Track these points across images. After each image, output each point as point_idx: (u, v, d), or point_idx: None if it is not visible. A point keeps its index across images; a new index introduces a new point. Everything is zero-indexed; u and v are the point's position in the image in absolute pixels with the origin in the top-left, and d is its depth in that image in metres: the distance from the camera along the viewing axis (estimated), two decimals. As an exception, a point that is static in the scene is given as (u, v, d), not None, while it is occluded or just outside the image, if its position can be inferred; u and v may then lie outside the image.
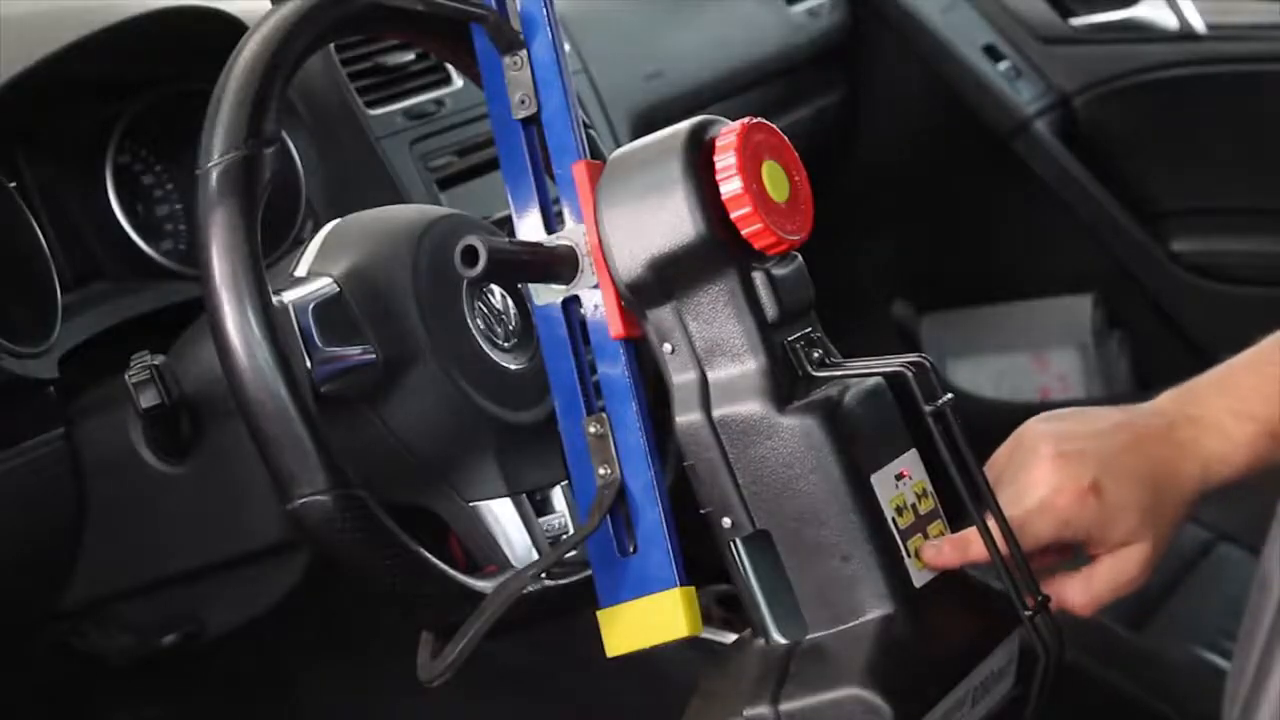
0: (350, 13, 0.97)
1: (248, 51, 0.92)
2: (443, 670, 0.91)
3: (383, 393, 1.01)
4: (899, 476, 0.91)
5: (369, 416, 1.02)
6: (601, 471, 0.93)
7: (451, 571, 0.94)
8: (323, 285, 1.01)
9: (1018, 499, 0.94)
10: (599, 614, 0.94)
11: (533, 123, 0.97)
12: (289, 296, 0.98)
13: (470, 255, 0.87)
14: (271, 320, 0.89)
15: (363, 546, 0.90)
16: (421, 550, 0.92)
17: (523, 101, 0.97)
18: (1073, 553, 0.97)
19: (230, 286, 0.88)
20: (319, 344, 0.97)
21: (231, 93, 0.91)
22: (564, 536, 1.05)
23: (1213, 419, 0.98)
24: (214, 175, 0.90)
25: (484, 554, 1.05)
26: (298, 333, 0.96)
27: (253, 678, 1.57)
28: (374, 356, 1.00)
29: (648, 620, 0.92)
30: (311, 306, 0.98)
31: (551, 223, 0.96)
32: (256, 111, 0.91)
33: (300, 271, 1.03)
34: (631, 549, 0.93)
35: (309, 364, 0.96)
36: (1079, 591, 0.96)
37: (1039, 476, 0.95)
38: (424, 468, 1.05)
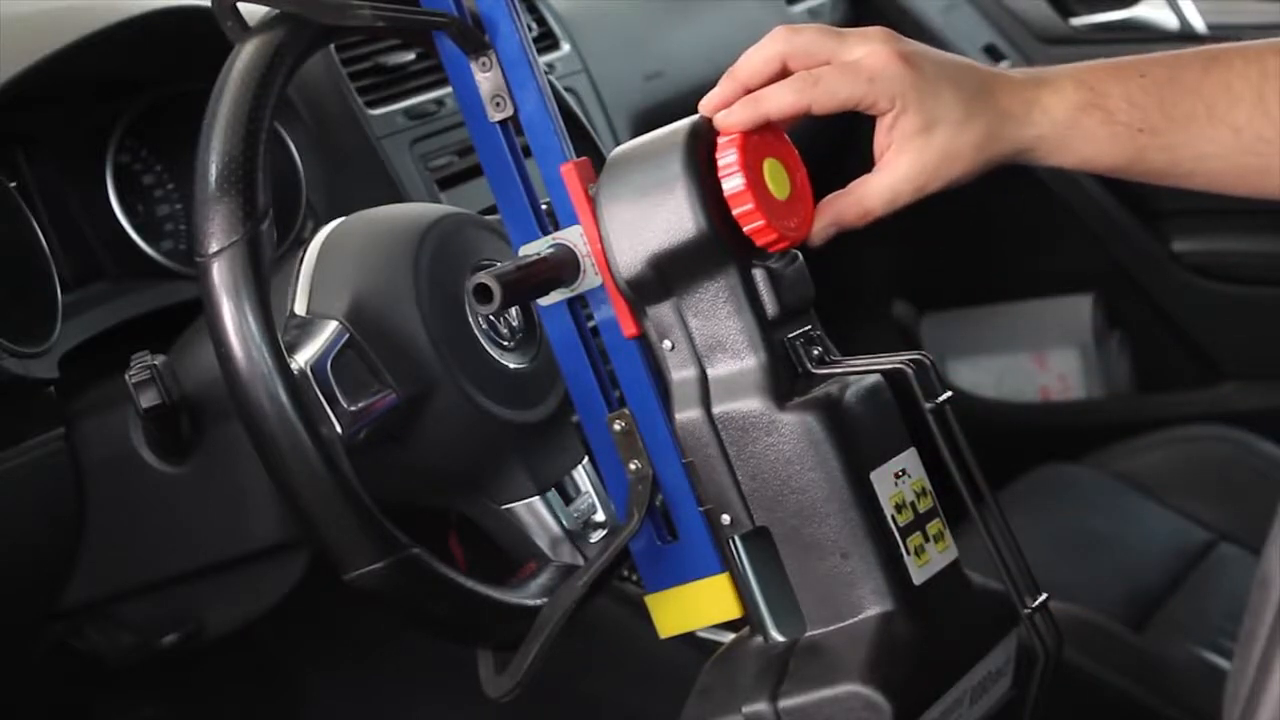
0: (310, 44, 0.94)
1: (226, 111, 0.89)
2: (512, 688, 0.93)
3: (408, 429, 1.01)
4: (898, 474, 0.91)
5: (398, 452, 1.02)
6: (632, 466, 0.94)
7: (506, 596, 0.95)
8: (330, 333, 0.99)
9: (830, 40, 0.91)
10: (647, 599, 0.96)
11: (511, 124, 0.97)
12: (303, 357, 0.96)
13: (484, 293, 0.88)
14: (299, 396, 0.88)
15: (423, 602, 0.91)
16: (476, 585, 0.93)
17: (498, 104, 0.96)
18: None
19: (256, 376, 0.87)
20: (343, 403, 0.95)
21: (221, 166, 0.88)
22: (593, 518, 1.07)
23: (1057, 84, 0.92)
24: (215, 266, 0.88)
25: (521, 552, 1.06)
26: (321, 399, 0.95)
27: (253, 678, 1.57)
28: (395, 397, 0.99)
29: (698, 604, 0.94)
30: (329, 364, 0.97)
31: (544, 223, 0.96)
32: (249, 188, 0.88)
33: (299, 306, 1.02)
34: (670, 537, 0.94)
35: (338, 428, 0.94)
36: (850, 206, 0.94)
37: (864, 37, 0.91)
38: (455, 483, 1.06)
